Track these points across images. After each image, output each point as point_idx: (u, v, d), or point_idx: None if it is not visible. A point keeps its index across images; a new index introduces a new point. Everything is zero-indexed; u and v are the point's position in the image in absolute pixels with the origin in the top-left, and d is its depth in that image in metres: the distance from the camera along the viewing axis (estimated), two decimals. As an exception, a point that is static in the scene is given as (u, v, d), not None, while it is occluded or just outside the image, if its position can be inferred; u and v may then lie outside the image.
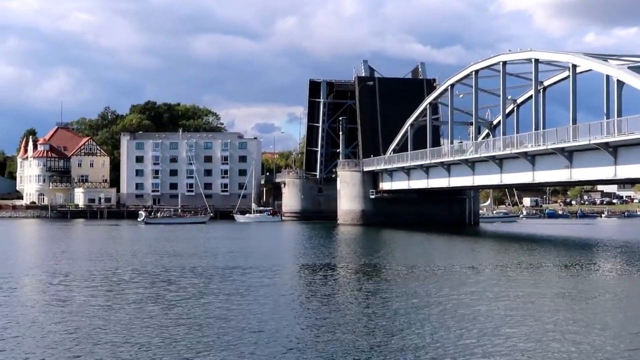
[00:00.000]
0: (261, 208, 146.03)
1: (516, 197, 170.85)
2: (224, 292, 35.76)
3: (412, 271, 46.06)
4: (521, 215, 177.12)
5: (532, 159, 76.91)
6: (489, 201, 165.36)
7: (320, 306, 31.88)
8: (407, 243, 76.28)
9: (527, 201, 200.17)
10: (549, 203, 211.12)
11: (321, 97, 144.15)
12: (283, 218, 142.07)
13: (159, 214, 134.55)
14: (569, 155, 70.38)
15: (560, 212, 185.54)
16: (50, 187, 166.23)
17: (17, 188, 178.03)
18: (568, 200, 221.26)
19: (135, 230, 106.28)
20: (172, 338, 24.82)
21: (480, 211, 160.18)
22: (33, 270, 46.31)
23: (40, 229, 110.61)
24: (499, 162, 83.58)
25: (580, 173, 70.34)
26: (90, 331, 26.04)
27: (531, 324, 27.64)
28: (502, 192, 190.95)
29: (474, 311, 30.39)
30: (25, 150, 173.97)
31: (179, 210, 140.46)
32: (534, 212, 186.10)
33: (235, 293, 35.54)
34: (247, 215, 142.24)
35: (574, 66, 73.28)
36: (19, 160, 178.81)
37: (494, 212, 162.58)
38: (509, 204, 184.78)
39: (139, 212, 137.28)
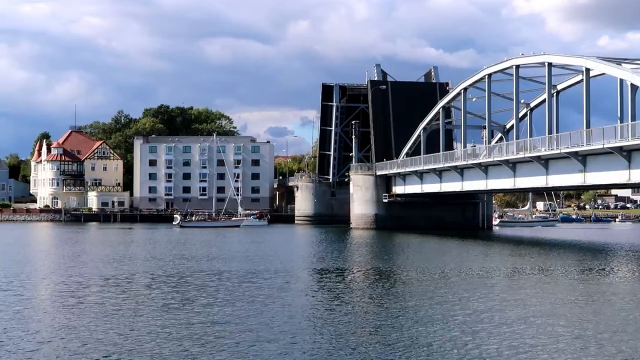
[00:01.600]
0: (248, 211, 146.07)
1: (530, 202, 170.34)
2: (241, 296, 35.73)
3: (428, 276, 45.91)
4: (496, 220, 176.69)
5: (545, 163, 76.66)
6: (527, 205, 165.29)
7: (340, 310, 31.78)
8: (421, 247, 76.09)
9: (540, 205, 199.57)
10: (562, 207, 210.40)
11: (334, 100, 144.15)
12: (296, 221, 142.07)
13: (194, 218, 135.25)
14: (583, 159, 70.10)
15: (573, 217, 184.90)
16: (64, 191, 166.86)
17: (31, 191, 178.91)
18: (582, 204, 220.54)
19: (171, 233, 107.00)
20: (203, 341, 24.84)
21: (520, 215, 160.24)
22: (92, 275, 45.87)
23: (62, 232, 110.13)
24: (513, 166, 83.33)
25: (594, 177, 70.04)
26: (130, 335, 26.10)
27: (557, 330, 27.49)
28: (515, 197, 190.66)
29: (500, 317, 30.24)
30: (39, 154, 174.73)
31: (214, 214, 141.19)
32: (548, 216, 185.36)
33: (250, 298, 35.47)
34: (233, 218, 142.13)
35: (587, 70, 73.05)
36: (32, 163, 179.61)
37: (533, 216, 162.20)
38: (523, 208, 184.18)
39: (174, 215, 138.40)
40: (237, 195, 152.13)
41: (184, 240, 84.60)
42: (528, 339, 25.59)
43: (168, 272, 47.56)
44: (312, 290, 38.98)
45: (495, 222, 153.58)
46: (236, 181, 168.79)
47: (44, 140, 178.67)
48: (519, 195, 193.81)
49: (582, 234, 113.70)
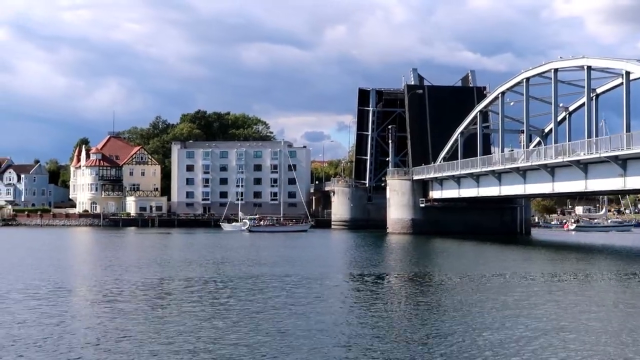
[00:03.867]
0: (249, 216, 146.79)
1: (605, 207, 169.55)
2: (277, 301, 35.77)
3: (470, 281, 45.61)
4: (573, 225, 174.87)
5: (584, 167, 75.81)
6: (603, 210, 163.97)
7: (381, 315, 31.69)
8: (460, 252, 75.65)
9: (579, 210, 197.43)
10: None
11: (370, 105, 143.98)
12: (332, 226, 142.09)
13: (262, 222, 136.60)
14: (623, 163, 69.24)
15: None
16: (103, 196, 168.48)
17: (70, 196, 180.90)
18: (621, 209, 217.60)
19: (241, 238, 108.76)
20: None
21: (595, 220, 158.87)
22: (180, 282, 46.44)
23: (109, 237, 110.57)
24: (551, 170, 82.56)
25: (635, 181, 69.11)
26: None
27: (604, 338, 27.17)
28: (553, 201, 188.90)
29: (543, 324, 29.95)
30: (78, 160, 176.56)
31: (281, 219, 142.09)
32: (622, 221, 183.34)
33: (290, 302, 35.50)
34: (234, 223, 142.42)
35: (628, 73, 72.25)
36: (72, 169, 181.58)
37: (608, 221, 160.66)
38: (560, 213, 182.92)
39: (244, 220, 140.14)
40: (240, 200, 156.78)
41: (261, 245, 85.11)
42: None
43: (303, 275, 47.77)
44: (354, 296, 38.88)
45: (572, 226, 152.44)
46: (272, 186, 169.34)
47: (83, 146, 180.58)
48: (557, 200, 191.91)
49: (621, 238, 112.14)
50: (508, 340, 26.07)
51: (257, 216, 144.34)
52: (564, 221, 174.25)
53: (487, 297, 37.25)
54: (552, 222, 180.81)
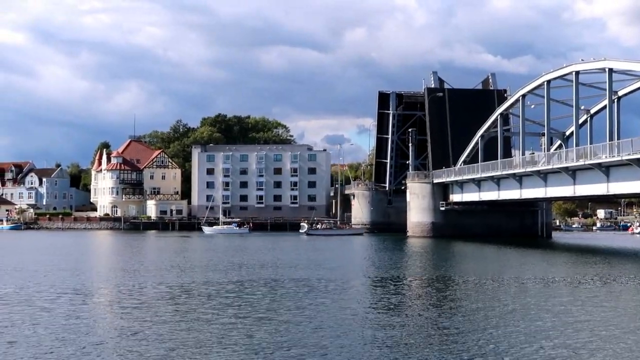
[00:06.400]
0: (229, 219, 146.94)
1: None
2: (299, 302, 35.85)
3: (493, 285, 45.50)
4: (595, 228, 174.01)
5: (606, 170, 75.42)
6: None
7: (404, 319, 31.70)
8: (481, 256, 75.44)
9: (601, 213, 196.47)
10: (624, 215, 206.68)
11: (390, 108, 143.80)
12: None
13: (319, 226, 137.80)
14: (646, 166, 68.85)
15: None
16: (123, 199, 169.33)
17: (92, 200, 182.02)
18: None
19: (299, 241, 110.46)
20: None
21: None
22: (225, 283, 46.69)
23: (137, 240, 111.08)
24: (572, 173, 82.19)
25: (657, 184, 68.74)
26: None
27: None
28: (574, 204, 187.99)
29: (568, 329, 29.85)
30: (100, 163, 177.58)
31: (338, 223, 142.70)
32: (609, 224, 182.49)
33: (316, 304, 35.58)
34: (214, 227, 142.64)
35: (650, 75, 71.83)
36: (93, 172, 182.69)
37: None
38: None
39: (301, 224, 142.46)
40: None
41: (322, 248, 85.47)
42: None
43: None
44: (374, 300, 38.90)
45: (637, 230, 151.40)
46: (293, 189, 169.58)
47: (104, 150, 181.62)
48: (579, 203, 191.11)
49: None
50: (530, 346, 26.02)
51: (237, 220, 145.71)
52: (629, 224, 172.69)
53: (516, 302, 37.18)
54: (574, 225, 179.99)
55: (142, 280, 47.01)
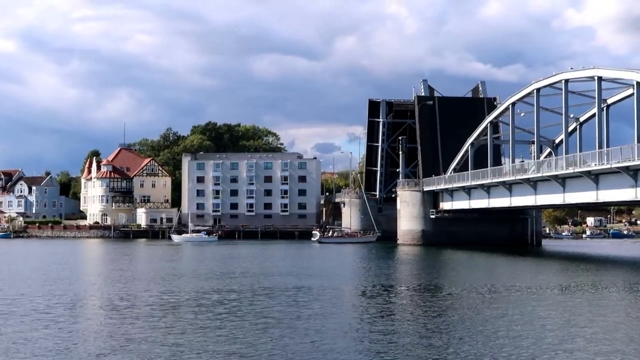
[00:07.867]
0: (198, 228, 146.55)
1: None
2: (291, 309, 35.82)
3: (483, 293, 45.49)
4: (584, 236, 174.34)
5: (595, 178, 75.59)
6: None
7: (389, 327, 31.68)
8: (472, 264, 75.45)
9: (590, 221, 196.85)
10: (613, 223, 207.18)
11: (380, 116, 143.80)
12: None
13: (331, 234, 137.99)
14: (634, 174, 69.01)
15: (625, 232, 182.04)
16: (113, 208, 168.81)
17: (81, 208, 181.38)
18: (633, 220, 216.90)
19: (311, 248, 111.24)
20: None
21: None
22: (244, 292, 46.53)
23: (143, 249, 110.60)
24: (562, 181, 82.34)
25: (647, 192, 68.85)
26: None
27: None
28: (564, 212, 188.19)
29: (555, 336, 29.84)
30: (89, 171, 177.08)
31: (349, 230, 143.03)
32: (598, 232, 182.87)
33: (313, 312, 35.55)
34: (183, 235, 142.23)
35: (638, 83, 72.01)
36: (82, 181, 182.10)
37: None
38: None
39: (313, 231, 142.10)
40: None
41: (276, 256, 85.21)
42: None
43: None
44: (368, 308, 38.84)
45: (587, 233, 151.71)
46: (283, 197, 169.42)
47: (94, 158, 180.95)
48: (568, 211, 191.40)
49: (633, 249, 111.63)
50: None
51: (206, 228, 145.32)
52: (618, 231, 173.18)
53: (502, 310, 37.18)
54: (563, 233, 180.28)
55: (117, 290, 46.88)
